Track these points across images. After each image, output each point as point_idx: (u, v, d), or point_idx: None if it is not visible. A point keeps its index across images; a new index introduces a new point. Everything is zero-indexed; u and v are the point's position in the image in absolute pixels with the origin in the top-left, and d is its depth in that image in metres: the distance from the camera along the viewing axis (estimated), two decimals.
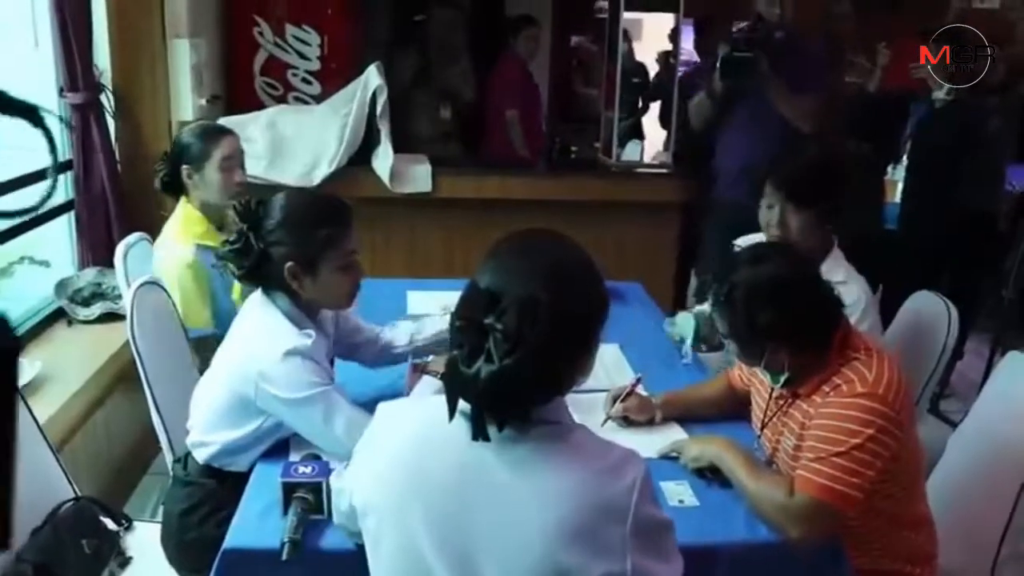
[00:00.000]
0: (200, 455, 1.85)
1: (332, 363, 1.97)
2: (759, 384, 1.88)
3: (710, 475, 1.74)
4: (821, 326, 1.67)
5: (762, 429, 1.83)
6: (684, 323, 2.42)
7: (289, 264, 1.72)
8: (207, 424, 1.83)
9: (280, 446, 1.83)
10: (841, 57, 3.94)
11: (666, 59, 5.25)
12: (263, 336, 1.75)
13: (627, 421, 1.98)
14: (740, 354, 1.74)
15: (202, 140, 2.46)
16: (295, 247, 1.72)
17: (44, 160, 0.74)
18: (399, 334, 2.14)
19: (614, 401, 2.00)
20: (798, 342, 1.66)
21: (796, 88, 3.20)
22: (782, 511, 1.57)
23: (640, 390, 2.06)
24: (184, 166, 2.46)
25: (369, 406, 1.48)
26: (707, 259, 3.52)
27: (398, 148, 3.69)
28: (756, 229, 3.10)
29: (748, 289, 1.63)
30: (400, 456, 1.20)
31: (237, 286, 2.44)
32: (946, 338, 2.27)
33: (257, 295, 1.82)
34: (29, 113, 0.69)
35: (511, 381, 1.06)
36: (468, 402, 1.11)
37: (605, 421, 1.99)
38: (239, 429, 1.78)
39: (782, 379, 1.72)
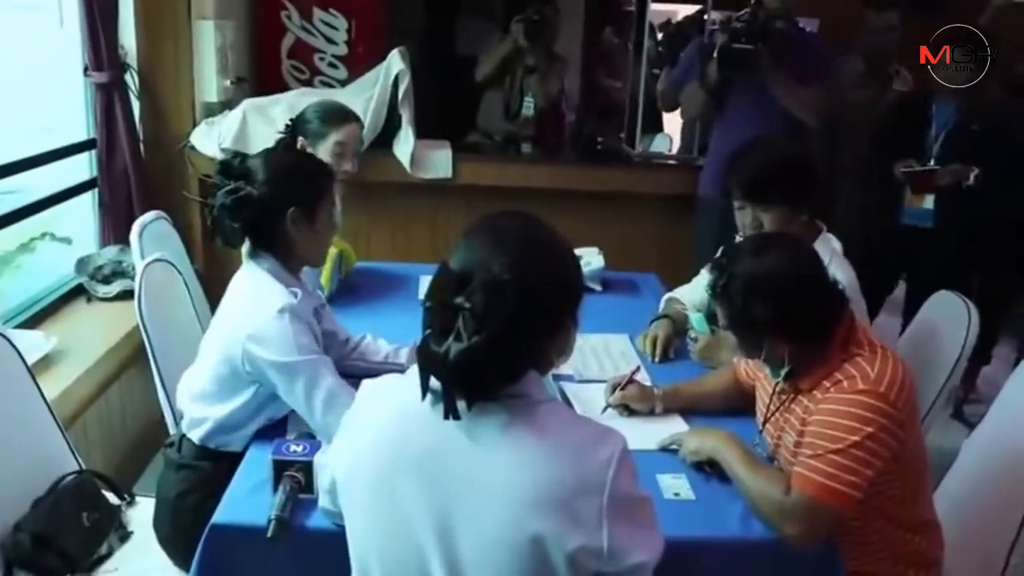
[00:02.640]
0: (195, 435, 1.86)
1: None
2: (764, 378, 1.85)
3: (709, 469, 1.71)
4: (821, 321, 1.63)
5: (764, 424, 1.80)
6: (699, 323, 2.36)
7: (292, 210, 1.79)
8: (200, 401, 1.85)
9: (278, 425, 1.83)
10: (884, 69, 3.81)
11: (656, 49, 5.12)
12: (250, 298, 1.79)
13: (628, 410, 1.96)
14: (739, 347, 1.71)
15: (323, 120, 2.50)
16: (298, 194, 1.81)
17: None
18: (375, 349, 2.16)
19: (613, 389, 1.98)
20: (798, 336, 1.62)
21: (800, 79, 3.09)
22: (778, 509, 1.54)
23: (641, 378, 2.03)
24: (300, 138, 2.50)
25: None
26: (698, 261, 3.41)
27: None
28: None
29: (746, 282, 1.60)
30: (382, 431, 1.22)
31: (326, 272, 2.49)
32: (965, 339, 2.22)
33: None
34: None
35: (479, 358, 1.08)
36: (439, 380, 1.13)
37: (605, 409, 1.97)
38: (231, 402, 1.80)
39: (783, 373, 1.68)
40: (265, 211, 1.78)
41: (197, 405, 1.86)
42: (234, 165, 1.82)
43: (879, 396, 1.54)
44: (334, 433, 1.71)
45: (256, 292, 1.79)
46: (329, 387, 1.74)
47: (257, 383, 1.77)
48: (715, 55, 3.16)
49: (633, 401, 1.96)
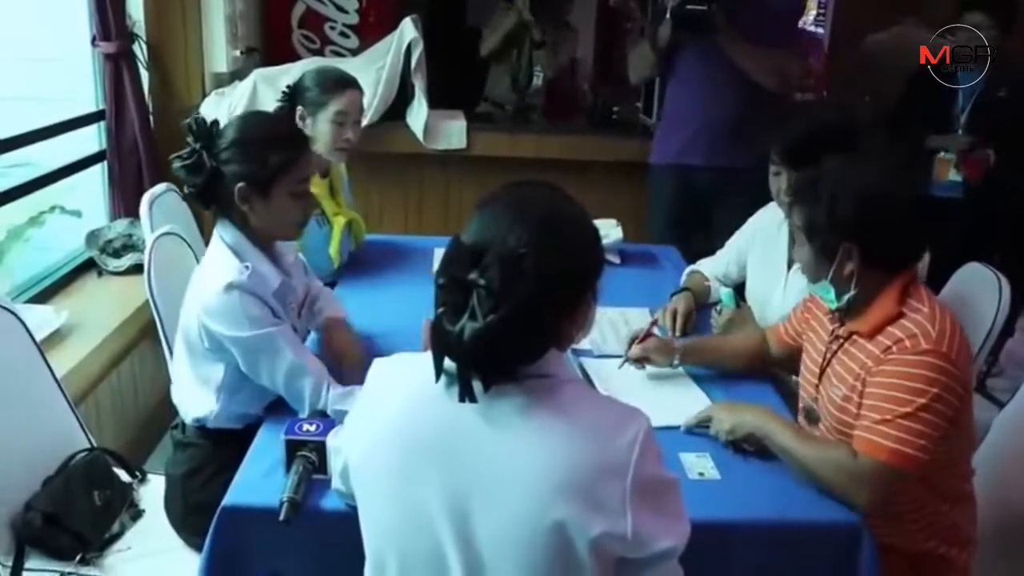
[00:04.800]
0: (188, 419, 1.84)
1: (303, 305, 1.95)
2: (812, 335, 1.81)
3: (747, 447, 1.67)
4: (900, 242, 1.60)
5: (820, 376, 1.74)
6: (728, 297, 2.32)
7: (240, 185, 1.69)
8: (180, 385, 1.83)
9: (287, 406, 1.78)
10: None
11: None
12: (205, 271, 1.74)
13: (647, 364, 1.96)
14: (809, 257, 1.66)
15: (322, 88, 2.39)
16: (248, 168, 1.69)
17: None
18: None
19: (631, 344, 1.96)
20: (872, 250, 1.58)
21: (759, 42, 2.88)
22: (847, 476, 1.51)
23: (656, 331, 2.03)
24: (299, 107, 2.39)
25: None
26: (653, 231, 3.26)
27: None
28: (706, 194, 2.98)
29: (836, 181, 1.58)
30: (396, 414, 1.17)
31: (334, 241, 2.42)
32: (996, 313, 2.16)
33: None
34: None
35: (496, 338, 1.02)
36: (453, 361, 1.07)
37: (623, 363, 1.96)
38: (206, 385, 1.77)
39: (845, 299, 1.63)
40: (215, 182, 1.69)
41: (177, 390, 1.84)
42: (201, 126, 1.70)
43: (942, 356, 1.51)
44: (305, 402, 1.70)
45: (210, 265, 1.73)
46: (290, 364, 1.69)
47: (222, 361, 1.73)
48: (667, 16, 2.95)
49: (653, 354, 1.94)
